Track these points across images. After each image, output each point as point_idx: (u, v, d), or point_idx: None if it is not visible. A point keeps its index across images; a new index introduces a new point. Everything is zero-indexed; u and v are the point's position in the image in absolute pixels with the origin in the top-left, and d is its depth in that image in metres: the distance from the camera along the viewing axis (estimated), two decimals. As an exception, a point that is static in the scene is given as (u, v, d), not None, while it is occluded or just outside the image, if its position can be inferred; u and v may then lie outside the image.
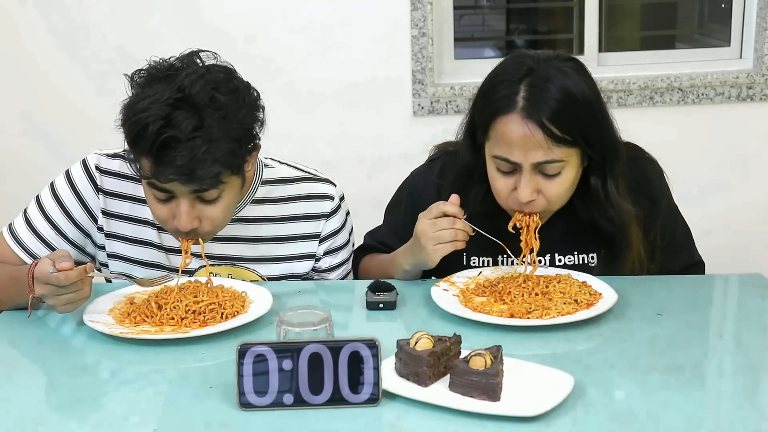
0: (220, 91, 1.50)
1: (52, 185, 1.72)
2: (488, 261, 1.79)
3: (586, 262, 1.78)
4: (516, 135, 1.58)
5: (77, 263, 1.56)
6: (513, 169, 1.62)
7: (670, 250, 1.80)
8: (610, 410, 1.23)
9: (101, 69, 3.07)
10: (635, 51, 3.52)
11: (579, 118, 1.59)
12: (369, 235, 1.94)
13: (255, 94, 1.59)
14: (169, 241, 1.73)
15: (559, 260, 1.78)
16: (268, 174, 1.77)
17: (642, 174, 1.78)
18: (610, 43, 3.48)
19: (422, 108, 3.14)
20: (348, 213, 1.86)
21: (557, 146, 1.57)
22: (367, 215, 2.04)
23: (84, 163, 1.72)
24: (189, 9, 3.07)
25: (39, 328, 1.56)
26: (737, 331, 1.56)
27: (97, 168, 1.71)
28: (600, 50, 3.29)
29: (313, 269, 1.82)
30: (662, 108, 3.18)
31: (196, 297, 1.56)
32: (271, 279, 1.78)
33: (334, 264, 1.83)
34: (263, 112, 1.60)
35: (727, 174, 3.23)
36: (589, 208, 1.71)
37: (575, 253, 1.78)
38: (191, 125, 1.45)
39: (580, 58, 1.74)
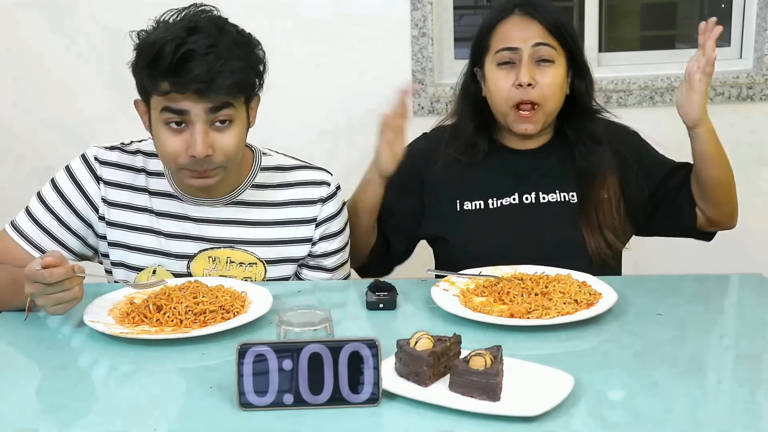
0: (228, 26, 1.63)
1: (52, 180, 1.76)
2: (479, 204, 1.92)
3: (567, 199, 1.91)
4: (514, 26, 1.86)
5: (81, 258, 1.65)
6: (513, 59, 1.85)
7: (658, 166, 1.97)
8: (610, 410, 1.23)
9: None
10: (635, 51, 3.52)
11: (567, 28, 1.87)
12: None
13: (259, 42, 1.69)
14: (168, 226, 1.76)
15: (543, 198, 1.92)
16: (266, 161, 1.82)
17: (614, 133, 1.96)
18: (610, 43, 3.48)
19: (422, 108, 3.14)
20: (344, 203, 1.89)
21: (551, 36, 1.84)
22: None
23: (83, 157, 1.77)
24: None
25: (39, 329, 1.56)
26: (737, 331, 1.56)
27: (96, 159, 1.76)
28: (600, 50, 3.28)
29: (310, 254, 1.83)
30: (662, 108, 3.18)
31: (195, 298, 1.56)
32: (269, 262, 1.79)
33: (329, 250, 1.85)
34: (265, 59, 1.69)
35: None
36: (580, 122, 1.92)
37: (557, 191, 1.92)
38: (206, 44, 1.56)
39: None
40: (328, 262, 1.86)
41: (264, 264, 1.79)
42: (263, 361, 1.21)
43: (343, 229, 1.87)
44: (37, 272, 1.45)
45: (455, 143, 1.97)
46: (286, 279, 1.82)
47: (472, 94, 1.96)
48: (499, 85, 1.86)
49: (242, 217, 1.78)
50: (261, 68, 1.68)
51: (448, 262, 1.94)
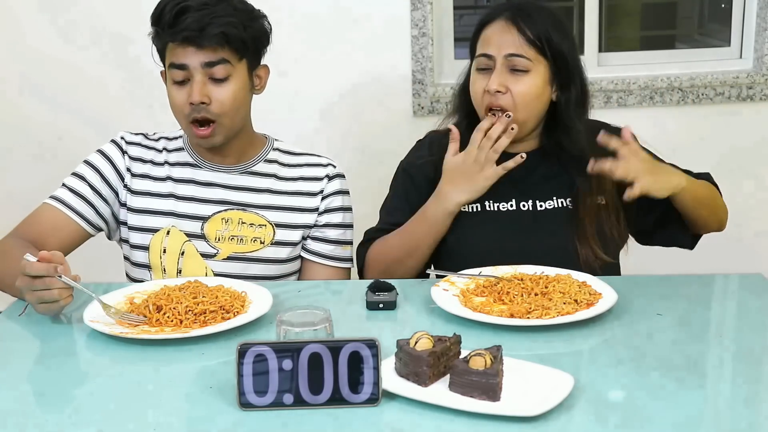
0: None
1: (85, 160, 1.94)
2: (477, 206, 1.89)
3: (565, 205, 1.90)
4: (495, 33, 1.85)
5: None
6: (488, 66, 1.84)
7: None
8: (610, 410, 1.23)
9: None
10: (635, 51, 3.52)
11: (552, 41, 1.83)
12: (368, 231, 1.98)
13: (264, 15, 1.87)
14: (185, 190, 1.91)
15: (540, 205, 1.90)
16: (278, 145, 2.01)
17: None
18: (610, 43, 3.48)
19: (422, 108, 3.14)
20: (348, 192, 2.01)
21: (528, 47, 1.82)
22: (366, 213, 2.05)
23: (112, 140, 1.97)
24: None
25: (39, 328, 1.56)
26: (737, 331, 1.56)
27: (122, 138, 1.97)
28: (600, 50, 3.28)
29: (315, 224, 1.94)
30: (662, 108, 3.18)
31: (195, 298, 1.56)
32: (277, 225, 1.91)
33: (332, 222, 1.95)
34: (270, 33, 1.88)
35: (726, 174, 3.22)
36: (558, 135, 1.89)
37: (554, 197, 1.91)
38: (201, 2, 1.77)
39: (580, 58, 1.91)
40: (332, 233, 1.95)
41: (273, 227, 1.91)
42: (263, 361, 1.21)
43: (348, 208, 1.99)
44: (23, 261, 1.51)
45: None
46: (294, 244, 1.93)
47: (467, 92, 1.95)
48: (475, 88, 1.87)
49: (254, 185, 1.93)
50: (261, 36, 1.86)
51: (445, 264, 1.93)
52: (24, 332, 1.57)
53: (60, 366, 1.44)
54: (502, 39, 1.83)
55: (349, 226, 1.99)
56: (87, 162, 1.93)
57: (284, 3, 3.09)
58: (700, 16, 3.86)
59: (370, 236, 1.96)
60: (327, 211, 1.95)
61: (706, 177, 1.95)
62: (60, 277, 1.49)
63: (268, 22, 1.88)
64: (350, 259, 1.99)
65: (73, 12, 3.10)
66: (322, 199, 1.95)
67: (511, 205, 1.90)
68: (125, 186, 1.92)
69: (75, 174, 1.92)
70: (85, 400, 1.31)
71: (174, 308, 1.53)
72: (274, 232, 1.90)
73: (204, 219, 1.89)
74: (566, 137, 1.88)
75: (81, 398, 1.32)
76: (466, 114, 1.94)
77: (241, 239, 1.89)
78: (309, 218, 1.94)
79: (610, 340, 1.49)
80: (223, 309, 1.54)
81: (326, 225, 1.95)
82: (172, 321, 1.51)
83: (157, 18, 1.79)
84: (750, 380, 1.34)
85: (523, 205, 1.90)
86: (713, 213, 1.91)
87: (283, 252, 1.91)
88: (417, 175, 1.94)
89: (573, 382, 1.25)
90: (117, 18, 3.07)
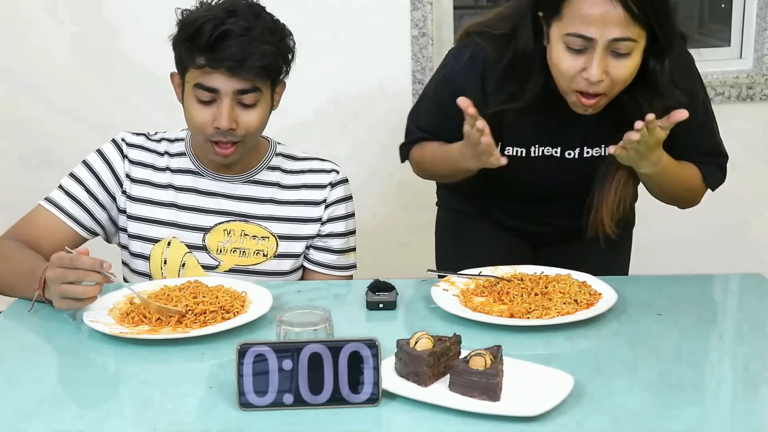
0: (264, 13, 1.79)
1: (84, 160, 1.90)
2: (522, 152, 1.86)
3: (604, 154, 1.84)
4: (596, 10, 1.60)
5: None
6: (585, 47, 1.63)
7: (693, 131, 1.81)
8: (610, 410, 1.23)
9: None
10: (635, 51, 3.51)
11: (657, 7, 1.62)
12: (411, 117, 2.01)
13: (290, 33, 1.83)
14: (186, 200, 1.87)
15: (587, 152, 1.85)
16: (281, 149, 1.96)
17: (683, 66, 1.80)
18: (610, 43, 3.46)
19: (422, 108, 3.14)
20: (351, 197, 1.96)
21: (634, 25, 1.60)
22: (365, 212, 2.04)
23: (113, 140, 1.92)
24: None
25: (39, 328, 1.57)
26: (737, 331, 1.56)
27: (123, 140, 1.91)
28: (600, 50, 3.28)
29: (318, 234, 1.91)
30: (662, 108, 3.17)
31: (195, 298, 1.56)
32: (280, 237, 1.87)
33: (335, 232, 1.92)
34: (294, 50, 1.83)
35: (726, 174, 3.22)
36: (638, 100, 1.71)
37: (602, 145, 1.83)
38: (243, 26, 1.71)
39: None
40: (335, 243, 1.92)
41: (276, 239, 1.87)
42: (263, 361, 1.21)
43: (352, 215, 1.96)
44: (67, 254, 1.50)
45: (511, 88, 1.77)
46: (297, 256, 1.90)
47: (540, 44, 1.73)
48: (564, 68, 1.67)
49: (257, 195, 1.89)
50: (289, 56, 1.82)
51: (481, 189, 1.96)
52: (24, 332, 1.57)
53: (59, 366, 1.45)
54: (605, 18, 1.59)
55: (353, 232, 1.95)
56: (85, 163, 1.88)
57: (283, 4, 3.08)
58: (700, 16, 3.86)
59: (415, 135, 1.98)
60: (330, 220, 1.90)
61: (714, 162, 1.93)
62: (110, 275, 1.50)
63: (293, 40, 1.83)
64: (353, 266, 1.97)
65: (73, 12, 3.11)
66: (326, 207, 1.90)
67: (556, 152, 1.85)
68: (123, 192, 1.87)
69: (72, 176, 1.87)
70: (84, 401, 1.31)
71: (174, 306, 1.53)
72: (278, 244, 1.87)
73: (205, 230, 1.85)
74: (658, 99, 1.71)
75: (80, 398, 1.32)
76: (542, 67, 1.74)
77: (244, 252, 1.85)
78: (312, 228, 1.90)
79: (610, 340, 1.49)
80: (223, 309, 1.54)
81: (329, 235, 1.90)
82: (172, 321, 1.51)
83: (193, 35, 1.71)
84: (750, 380, 1.34)
85: (569, 153, 1.85)
86: (673, 201, 1.91)
87: (287, 264, 1.88)
88: (459, 92, 1.69)
89: (573, 382, 1.25)
90: (117, 18, 3.07)
